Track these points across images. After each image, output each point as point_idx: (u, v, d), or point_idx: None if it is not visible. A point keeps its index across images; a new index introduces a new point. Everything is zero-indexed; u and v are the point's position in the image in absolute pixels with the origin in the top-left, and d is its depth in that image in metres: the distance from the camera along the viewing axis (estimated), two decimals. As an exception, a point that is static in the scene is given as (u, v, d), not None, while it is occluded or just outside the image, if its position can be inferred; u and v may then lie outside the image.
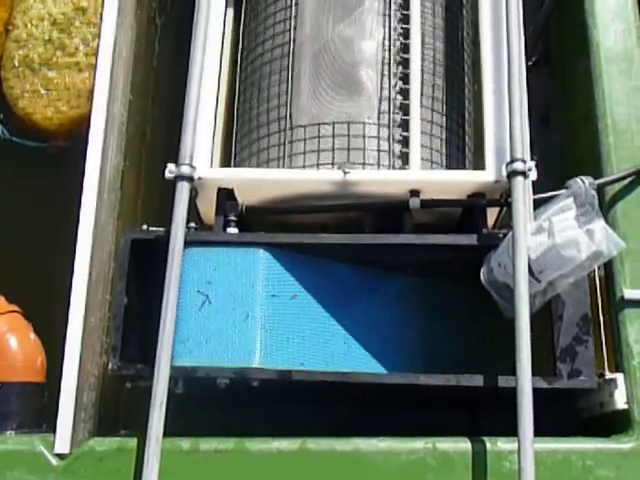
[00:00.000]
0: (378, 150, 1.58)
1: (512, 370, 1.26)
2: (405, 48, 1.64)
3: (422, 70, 1.64)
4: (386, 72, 1.63)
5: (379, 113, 1.60)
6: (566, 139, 1.77)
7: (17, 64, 1.85)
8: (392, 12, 1.69)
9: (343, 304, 1.51)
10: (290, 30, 1.72)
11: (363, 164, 1.56)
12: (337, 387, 1.39)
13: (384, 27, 1.67)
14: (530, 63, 1.76)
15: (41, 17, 1.88)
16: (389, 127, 1.59)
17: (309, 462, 1.33)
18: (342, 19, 1.66)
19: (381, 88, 1.61)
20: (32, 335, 1.66)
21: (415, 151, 1.54)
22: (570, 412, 1.50)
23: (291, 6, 1.73)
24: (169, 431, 1.29)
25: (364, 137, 1.58)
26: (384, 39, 1.65)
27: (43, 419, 1.55)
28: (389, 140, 1.58)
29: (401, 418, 1.48)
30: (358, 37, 1.65)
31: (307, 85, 1.65)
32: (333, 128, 1.59)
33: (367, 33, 1.65)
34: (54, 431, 1.40)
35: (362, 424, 1.43)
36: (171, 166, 1.43)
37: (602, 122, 1.54)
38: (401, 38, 1.65)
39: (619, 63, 1.58)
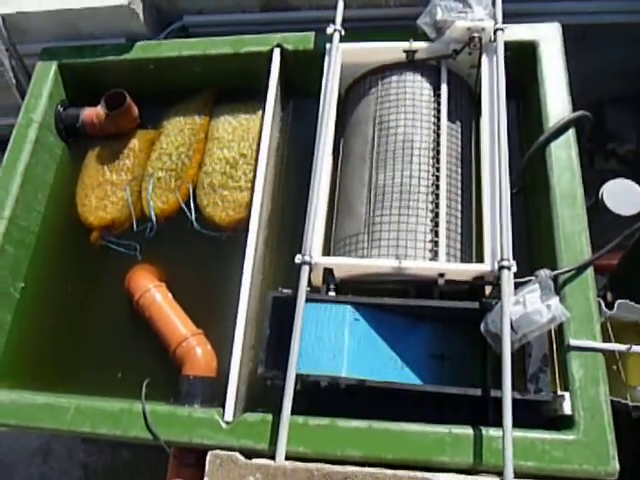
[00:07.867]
0: (421, 248, 1.66)
1: (499, 386, 1.34)
2: (437, 185, 1.70)
3: (448, 195, 1.70)
4: (423, 199, 1.70)
5: (417, 224, 1.67)
6: (535, 244, 1.80)
7: (205, 187, 2.03)
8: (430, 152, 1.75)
9: (395, 340, 1.58)
10: (366, 165, 1.78)
11: (412, 256, 1.64)
12: (391, 391, 1.47)
13: (427, 168, 1.73)
14: (514, 191, 1.76)
15: (220, 158, 2.07)
16: (424, 233, 1.66)
17: (374, 436, 1.43)
18: (398, 166, 1.75)
19: (421, 208, 1.69)
20: (209, 347, 1.81)
21: (442, 250, 1.63)
22: (536, 414, 1.51)
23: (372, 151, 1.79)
24: (291, 411, 1.41)
25: (415, 240, 1.66)
26: (427, 179, 1.72)
27: (215, 399, 1.66)
28: (424, 242, 1.66)
29: (429, 411, 1.50)
30: (409, 178, 1.72)
31: (377, 205, 1.72)
32: (397, 234, 1.67)
33: (416, 175, 1.73)
34: (223, 407, 1.55)
35: (405, 414, 1.46)
36: (298, 256, 1.57)
37: (557, 234, 1.61)
38: (435, 173, 1.72)
39: (567, 198, 1.65)
